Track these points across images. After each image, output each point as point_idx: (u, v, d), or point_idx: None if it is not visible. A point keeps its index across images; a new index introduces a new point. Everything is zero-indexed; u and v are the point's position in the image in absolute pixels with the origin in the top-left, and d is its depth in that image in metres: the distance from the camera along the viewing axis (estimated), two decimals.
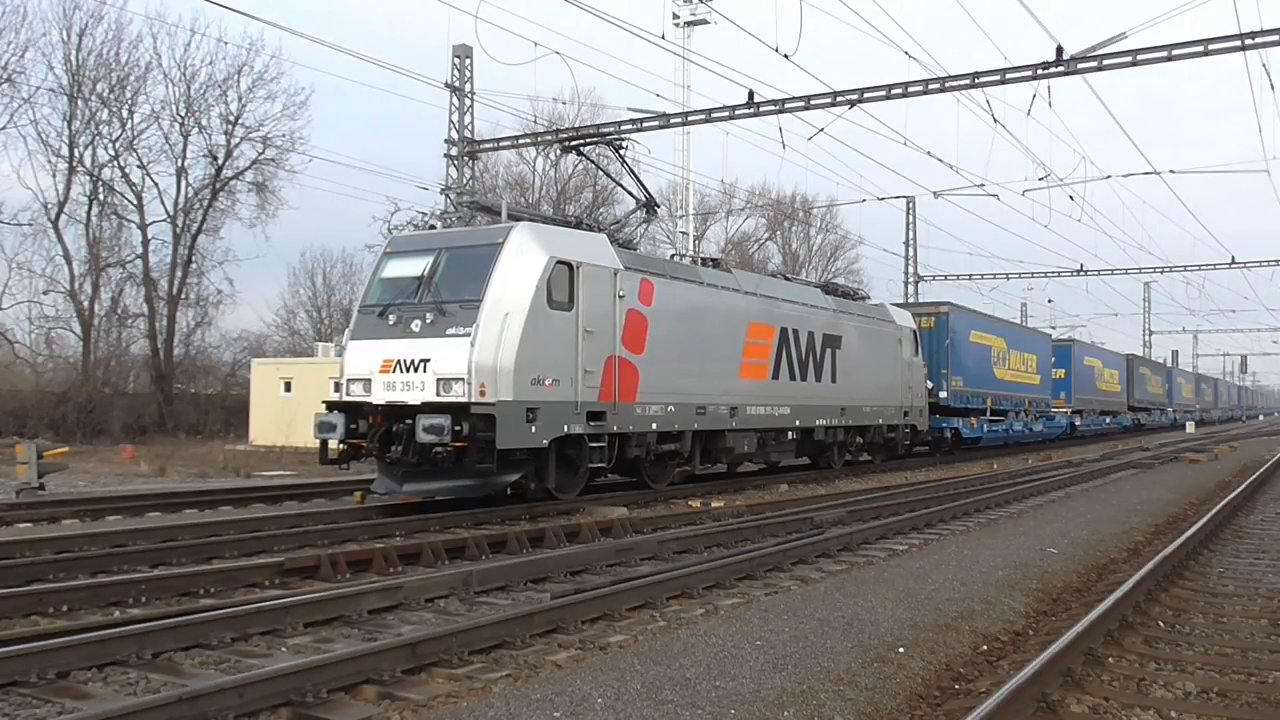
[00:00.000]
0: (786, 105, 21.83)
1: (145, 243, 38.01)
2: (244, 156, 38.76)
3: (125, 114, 36.84)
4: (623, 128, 22.90)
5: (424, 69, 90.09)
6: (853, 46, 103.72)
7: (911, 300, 41.26)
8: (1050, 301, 75.37)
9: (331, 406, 13.79)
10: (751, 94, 21.94)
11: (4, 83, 34.49)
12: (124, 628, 6.62)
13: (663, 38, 21.94)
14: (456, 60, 27.20)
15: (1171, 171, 33.27)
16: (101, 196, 37.29)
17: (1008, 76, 20.21)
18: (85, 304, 37.10)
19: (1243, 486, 17.82)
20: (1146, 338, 73.33)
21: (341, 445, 13.69)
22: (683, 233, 36.05)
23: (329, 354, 29.76)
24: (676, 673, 5.69)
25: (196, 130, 38.16)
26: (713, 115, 23.60)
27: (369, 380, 13.50)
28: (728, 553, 10.60)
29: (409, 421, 12.80)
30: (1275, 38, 18.08)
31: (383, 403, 13.32)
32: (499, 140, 30.16)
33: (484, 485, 13.32)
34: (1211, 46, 18.62)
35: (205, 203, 38.68)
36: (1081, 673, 6.11)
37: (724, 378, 17.53)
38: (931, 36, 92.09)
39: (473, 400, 12.73)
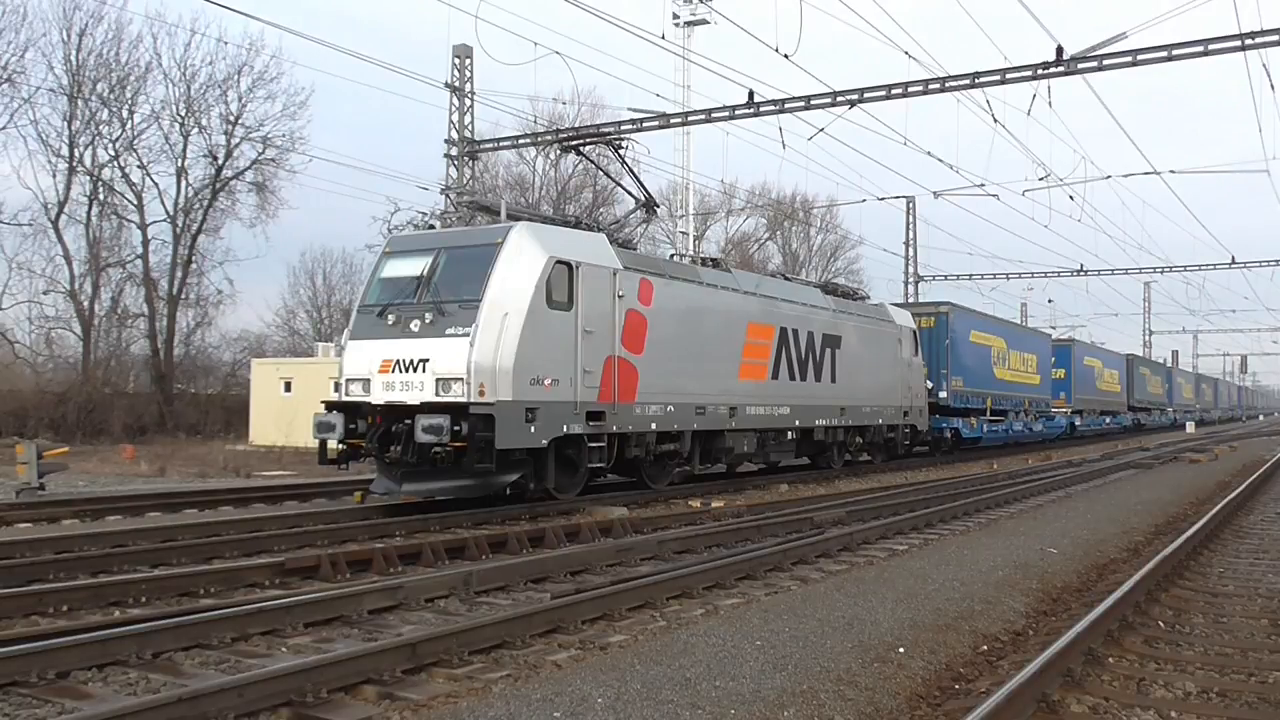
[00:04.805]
0: (786, 105, 21.83)
1: (145, 243, 38.11)
2: (244, 156, 38.85)
3: (125, 114, 36.90)
4: (623, 128, 22.91)
5: (424, 69, 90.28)
6: (853, 46, 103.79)
7: (911, 300, 41.25)
8: (1050, 301, 75.74)
9: (330, 406, 13.78)
10: (751, 94, 21.95)
11: (4, 83, 34.55)
12: (124, 628, 6.62)
13: (663, 38, 21.94)
14: (456, 60, 27.18)
15: (1171, 171, 33.18)
16: (101, 196, 37.35)
17: (1008, 76, 20.22)
18: (85, 304, 37.14)
19: (1243, 486, 17.82)
20: (1146, 338, 73.42)
21: (340, 445, 13.69)
22: (683, 233, 36.05)
23: (329, 354, 29.75)
24: (677, 673, 5.68)
25: (196, 130, 38.23)
26: (713, 115, 23.60)
27: (368, 380, 13.49)
28: (728, 553, 10.59)
29: (408, 421, 12.79)
30: (1275, 38, 18.08)
31: (382, 403, 13.32)
32: (499, 140, 30.16)
33: (483, 485, 13.32)
34: (1211, 46, 18.63)
35: (205, 203, 38.71)
36: (1081, 673, 6.11)
37: (723, 378, 17.52)
38: (931, 36, 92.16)
39: (472, 400, 12.72)
